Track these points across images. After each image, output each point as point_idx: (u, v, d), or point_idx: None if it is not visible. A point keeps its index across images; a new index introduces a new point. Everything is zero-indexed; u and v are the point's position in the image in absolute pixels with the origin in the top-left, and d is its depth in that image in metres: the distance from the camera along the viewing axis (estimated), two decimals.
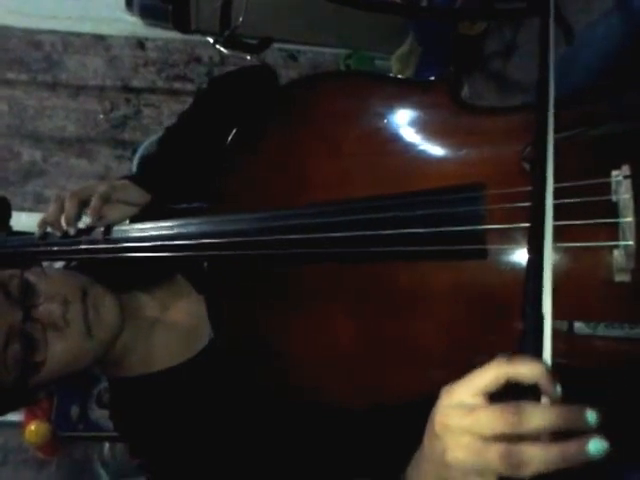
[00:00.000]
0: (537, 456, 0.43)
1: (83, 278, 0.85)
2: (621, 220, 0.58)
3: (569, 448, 0.43)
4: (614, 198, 0.59)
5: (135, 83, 2.32)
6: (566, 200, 0.59)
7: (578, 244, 0.60)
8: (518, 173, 0.66)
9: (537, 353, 0.47)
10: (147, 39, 2.33)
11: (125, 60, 2.33)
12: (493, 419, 0.45)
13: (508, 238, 0.63)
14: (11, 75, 2.27)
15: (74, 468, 2.02)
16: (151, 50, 2.34)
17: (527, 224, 0.57)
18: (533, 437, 0.44)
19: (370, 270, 0.71)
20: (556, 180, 0.56)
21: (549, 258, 0.51)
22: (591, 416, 0.44)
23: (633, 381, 0.62)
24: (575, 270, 0.62)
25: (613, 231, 0.59)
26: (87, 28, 2.32)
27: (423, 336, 0.68)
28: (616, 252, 0.59)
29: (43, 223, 0.85)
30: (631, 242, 0.57)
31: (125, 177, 0.94)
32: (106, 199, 0.85)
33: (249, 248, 0.74)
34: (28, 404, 1.50)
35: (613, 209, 0.59)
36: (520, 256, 0.64)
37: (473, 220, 0.64)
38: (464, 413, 0.47)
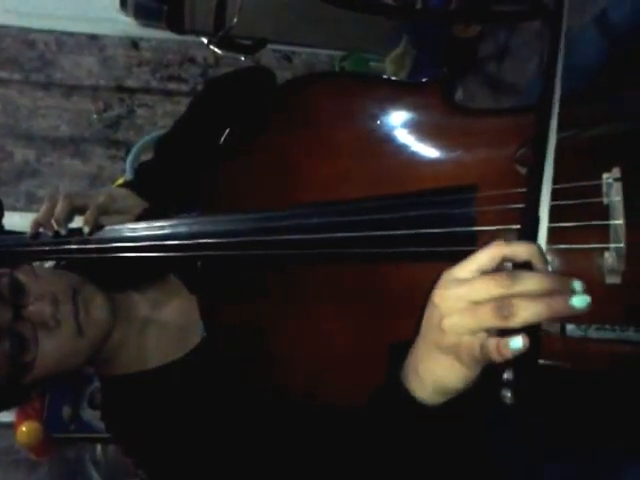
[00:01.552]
0: (526, 306, 0.46)
1: (74, 277, 0.85)
2: (612, 222, 0.59)
3: (556, 300, 0.47)
4: (605, 200, 0.60)
5: (129, 83, 2.32)
6: (557, 202, 0.59)
7: (569, 246, 0.61)
8: (511, 175, 0.66)
9: (533, 238, 0.51)
10: (141, 39, 2.33)
11: (119, 60, 2.32)
12: (487, 284, 0.49)
13: (500, 239, 0.63)
14: (4, 74, 2.26)
15: (66, 469, 2.01)
16: (145, 50, 2.34)
17: (519, 226, 0.57)
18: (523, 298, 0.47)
19: (362, 271, 0.71)
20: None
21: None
22: (577, 284, 0.48)
23: (627, 381, 0.63)
24: (566, 272, 0.62)
25: (604, 233, 0.59)
26: (81, 28, 2.32)
27: (411, 334, 0.68)
28: (607, 254, 0.59)
29: (35, 223, 0.85)
30: (622, 244, 0.58)
31: (123, 185, 0.95)
32: (103, 211, 0.86)
33: (241, 248, 0.74)
34: (19, 404, 1.49)
35: (604, 211, 0.59)
36: None
37: (465, 221, 0.64)
38: (462, 283, 0.50)
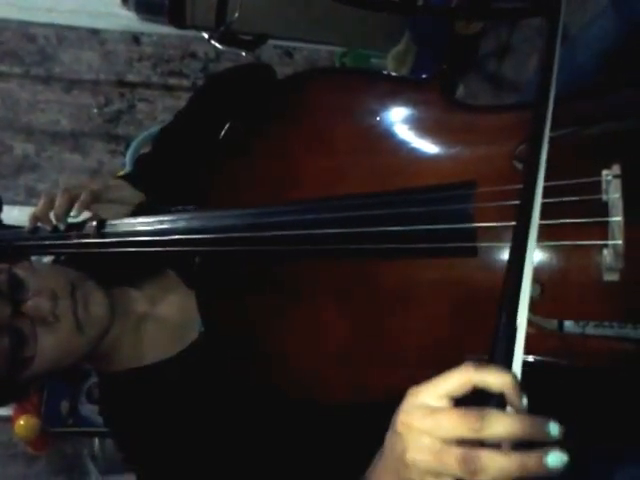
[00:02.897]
0: (495, 464, 0.43)
1: (72, 273, 0.85)
2: (611, 219, 0.58)
3: (528, 459, 0.43)
4: (604, 197, 0.59)
5: (129, 78, 2.31)
6: (557, 199, 0.59)
7: (568, 243, 0.61)
8: (510, 171, 0.66)
9: (507, 363, 0.47)
10: (142, 34, 2.33)
11: (120, 55, 2.32)
12: (455, 422, 0.45)
13: (498, 236, 0.63)
14: (4, 68, 2.26)
15: (63, 463, 2.02)
16: (146, 45, 2.33)
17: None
18: (494, 445, 0.44)
19: (360, 268, 0.71)
20: (547, 178, 0.56)
21: (530, 270, 0.50)
22: (553, 428, 0.44)
23: (624, 379, 0.63)
24: (564, 269, 0.62)
25: (603, 230, 0.59)
26: (82, 22, 2.31)
27: (409, 334, 0.68)
28: (605, 251, 0.59)
29: (33, 218, 0.85)
30: (620, 241, 0.57)
31: (120, 176, 0.95)
32: (96, 197, 0.86)
33: (239, 244, 0.74)
34: (18, 399, 1.49)
35: (603, 208, 0.59)
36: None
37: (464, 218, 0.64)
38: (427, 414, 0.47)
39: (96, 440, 1.96)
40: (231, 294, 0.80)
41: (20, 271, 0.80)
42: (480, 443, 0.44)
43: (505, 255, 0.63)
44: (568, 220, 0.60)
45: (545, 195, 0.55)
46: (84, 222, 0.86)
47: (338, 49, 2.33)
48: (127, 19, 2.30)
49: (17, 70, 2.26)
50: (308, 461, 0.74)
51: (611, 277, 0.60)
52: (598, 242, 0.59)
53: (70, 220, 0.85)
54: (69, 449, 2.01)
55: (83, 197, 0.84)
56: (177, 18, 1.36)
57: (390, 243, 0.67)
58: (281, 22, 2.20)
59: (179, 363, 0.88)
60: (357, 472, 0.64)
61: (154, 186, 0.94)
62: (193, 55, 2.34)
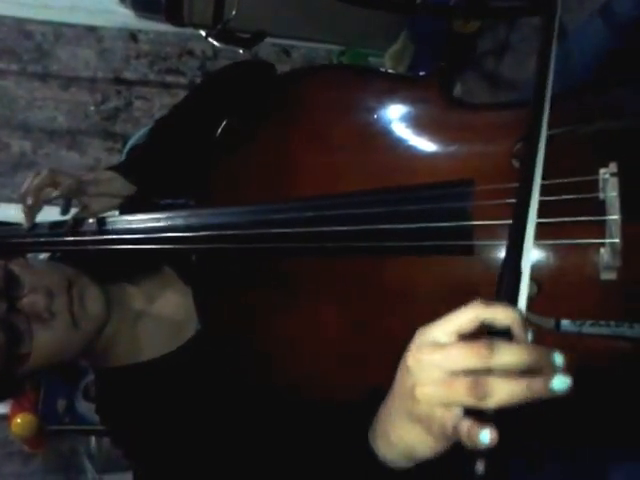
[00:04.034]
0: (502, 387, 0.44)
1: (68, 269, 0.84)
2: (608, 218, 0.59)
3: (534, 382, 0.44)
4: (601, 196, 0.60)
5: (127, 75, 2.30)
6: (554, 197, 0.59)
7: (565, 241, 0.61)
8: (508, 170, 0.66)
9: (513, 301, 0.49)
10: (140, 31, 2.32)
11: (117, 52, 2.31)
12: (464, 353, 0.46)
13: (496, 234, 0.63)
14: (1, 65, 2.25)
15: (60, 461, 2.01)
16: (143, 42, 2.33)
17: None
18: (501, 374, 0.45)
19: (357, 266, 0.71)
20: (545, 177, 0.56)
21: (527, 269, 0.51)
22: (558, 358, 0.46)
23: (621, 378, 0.63)
24: (562, 268, 0.62)
25: (600, 229, 0.59)
26: (79, 19, 2.30)
27: (408, 333, 0.68)
28: (603, 250, 0.59)
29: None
30: (617, 240, 0.57)
31: (111, 167, 0.94)
32: (83, 187, 0.86)
33: (237, 241, 0.74)
34: (13, 396, 1.49)
35: (600, 207, 0.59)
36: None
37: (461, 216, 0.64)
38: (436, 349, 0.48)
39: (93, 438, 1.96)
40: (229, 291, 0.80)
41: (16, 267, 0.80)
42: (487, 373, 0.46)
43: (502, 253, 0.63)
44: (565, 219, 0.60)
45: (542, 193, 0.55)
46: (83, 219, 0.86)
47: (336, 47, 2.33)
48: (124, 16, 2.30)
49: (14, 67, 2.25)
50: (305, 459, 0.74)
51: (608, 276, 0.60)
52: (595, 240, 0.59)
53: (61, 218, 0.85)
54: (66, 447, 2.01)
55: (68, 182, 0.83)
56: (174, 16, 1.36)
57: (387, 241, 0.67)
58: (279, 20, 2.20)
59: (176, 360, 0.88)
60: (354, 468, 0.64)
61: (146, 178, 0.93)
62: (190, 53, 2.33)
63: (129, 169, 0.93)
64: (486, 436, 0.44)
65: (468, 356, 0.46)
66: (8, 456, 2.00)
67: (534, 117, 0.60)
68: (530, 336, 0.47)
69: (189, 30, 2.15)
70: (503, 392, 0.44)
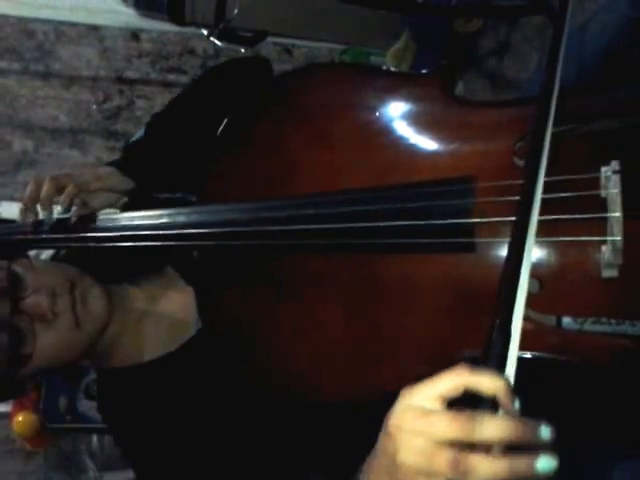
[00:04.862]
0: (485, 467, 0.43)
1: (71, 270, 0.84)
2: (609, 215, 0.58)
3: (518, 463, 0.43)
4: (603, 193, 0.59)
5: (129, 74, 2.30)
6: (556, 195, 0.59)
7: (567, 238, 0.61)
8: (509, 167, 0.66)
9: (500, 366, 0.47)
10: (141, 30, 2.32)
11: (119, 51, 2.31)
12: (446, 425, 0.45)
13: (496, 232, 0.63)
14: (3, 64, 2.25)
15: (62, 460, 2.01)
16: (145, 41, 2.33)
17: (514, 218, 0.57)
18: (485, 448, 0.44)
19: (358, 264, 0.71)
20: (547, 174, 0.56)
21: (528, 266, 0.50)
22: (545, 432, 0.44)
23: (622, 375, 0.63)
24: (563, 265, 0.62)
25: (602, 226, 0.59)
26: (81, 18, 2.30)
27: (407, 331, 0.68)
28: (604, 247, 0.59)
29: (23, 207, 0.84)
30: (619, 237, 0.57)
31: (110, 163, 0.94)
32: (84, 188, 0.85)
33: (238, 239, 0.74)
34: (15, 396, 1.49)
35: (602, 204, 0.59)
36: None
37: (462, 213, 0.64)
38: (419, 415, 0.47)
39: (94, 437, 1.96)
40: (231, 291, 0.80)
41: (19, 268, 0.80)
42: (472, 445, 0.45)
43: (503, 251, 0.63)
44: (567, 216, 0.60)
45: (544, 191, 0.55)
46: (84, 216, 0.86)
47: (337, 46, 2.33)
48: (126, 16, 2.30)
49: (16, 66, 2.25)
50: (304, 458, 0.74)
51: (610, 273, 0.60)
52: (597, 238, 0.59)
53: (59, 215, 0.85)
54: (67, 446, 2.00)
55: (69, 190, 0.83)
56: (176, 15, 1.36)
57: (387, 238, 0.67)
58: (280, 19, 2.20)
59: (178, 359, 0.88)
60: (351, 470, 0.64)
61: (144, 173, 0.93)
62: (192, 52, 2.33)
63: (127, 164, 0.93)
64: None
65: (450, 428, 0.45)
66: (9, 454, 2.00)
67: (540, 116, 0.60)
68: (517, 405, 0.46)
69: (191, 29, 2.15)
70: (485, 472, 0.43)
